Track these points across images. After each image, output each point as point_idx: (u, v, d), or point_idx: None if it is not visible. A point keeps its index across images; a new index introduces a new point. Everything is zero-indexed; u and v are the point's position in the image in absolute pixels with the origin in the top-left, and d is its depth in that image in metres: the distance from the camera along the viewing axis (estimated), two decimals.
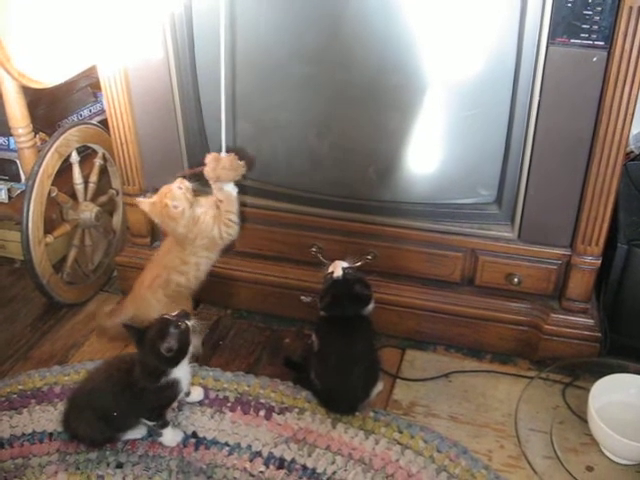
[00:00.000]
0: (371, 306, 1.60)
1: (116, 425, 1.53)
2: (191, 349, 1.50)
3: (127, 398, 1.49)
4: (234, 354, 1.85)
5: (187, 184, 1.67)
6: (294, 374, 1.73)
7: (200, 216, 1.68)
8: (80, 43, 1.86)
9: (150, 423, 1.54)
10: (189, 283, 1.75)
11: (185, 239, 1.69)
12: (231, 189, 1.70)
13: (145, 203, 1.70)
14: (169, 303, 1.69)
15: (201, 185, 1.70)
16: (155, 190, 1.72)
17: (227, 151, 1.68)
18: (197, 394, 1.67)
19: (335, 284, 1.59)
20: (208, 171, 1.66)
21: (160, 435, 1.55)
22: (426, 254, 1.77)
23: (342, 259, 1.63)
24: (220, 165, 1.66)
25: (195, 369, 1.73)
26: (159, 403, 1.51)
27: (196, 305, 2.02)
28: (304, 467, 1.50)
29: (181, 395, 1.53)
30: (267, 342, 1.89)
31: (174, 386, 1.49)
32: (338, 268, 1.59)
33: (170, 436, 1.55)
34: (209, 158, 1.67)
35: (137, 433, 1.57)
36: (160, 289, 1.72)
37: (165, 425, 1.54)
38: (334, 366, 1.57)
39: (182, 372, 1.50)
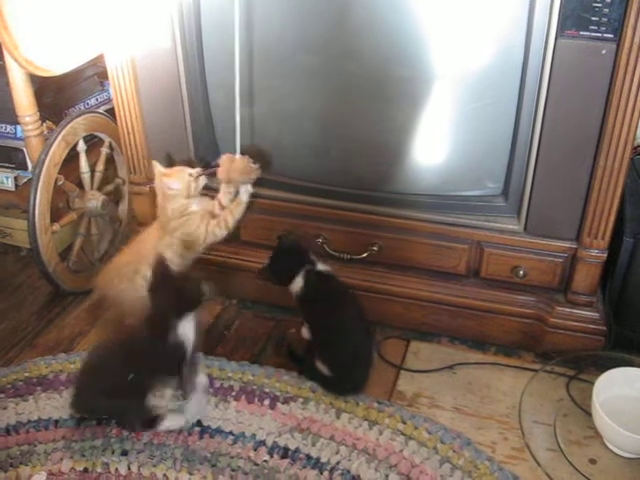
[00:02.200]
0: (324, 266, 1.65)
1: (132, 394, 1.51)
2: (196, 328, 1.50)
3: (135, 368, 1.47)
4: (239, 344, 1.86)
5: (202, 179, 1.63)
6: (297, 367, 1.73)
7: (191, 213, 1.63)
8: (87, 31, 1.86)
9: (173, 391, 1.54)
10: None
11: (167, 225, 1.64)
12: (243, 194, 1.64)
13: (158, 168, 1.66)
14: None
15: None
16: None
17: (242, 152, 1.63)
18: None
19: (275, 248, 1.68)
20: (221, 172, 1.61)
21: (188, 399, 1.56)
22: (432, 246, 1.77)
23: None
24: (233, 167, 1.61)
25: (200, 358, 1.74)
26: (170, 364, 1.50)
27: None
28: (308, 456, 1.51)
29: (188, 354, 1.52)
30: (272, 332, 1.90)
31: (180, 345, 1.48)
32: None
33: (174, 417, 1.56)
34: (223, 159, 1.62)
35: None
36: (126, 279, 1.66)
37: (192, 390, 1.54)
38: (335, 342, 1.59)
39: (187, 329, 1.49)
